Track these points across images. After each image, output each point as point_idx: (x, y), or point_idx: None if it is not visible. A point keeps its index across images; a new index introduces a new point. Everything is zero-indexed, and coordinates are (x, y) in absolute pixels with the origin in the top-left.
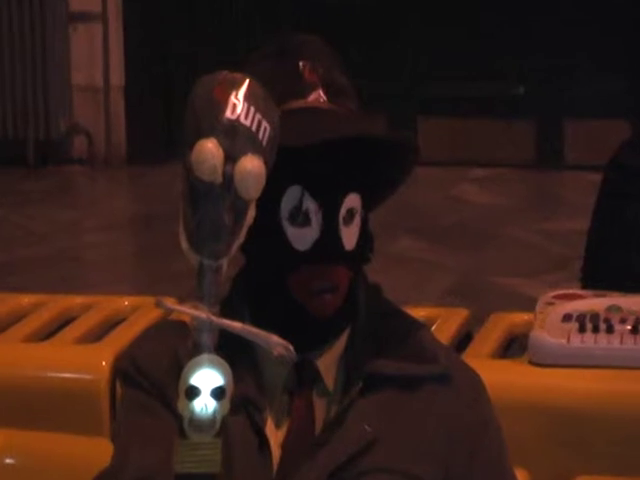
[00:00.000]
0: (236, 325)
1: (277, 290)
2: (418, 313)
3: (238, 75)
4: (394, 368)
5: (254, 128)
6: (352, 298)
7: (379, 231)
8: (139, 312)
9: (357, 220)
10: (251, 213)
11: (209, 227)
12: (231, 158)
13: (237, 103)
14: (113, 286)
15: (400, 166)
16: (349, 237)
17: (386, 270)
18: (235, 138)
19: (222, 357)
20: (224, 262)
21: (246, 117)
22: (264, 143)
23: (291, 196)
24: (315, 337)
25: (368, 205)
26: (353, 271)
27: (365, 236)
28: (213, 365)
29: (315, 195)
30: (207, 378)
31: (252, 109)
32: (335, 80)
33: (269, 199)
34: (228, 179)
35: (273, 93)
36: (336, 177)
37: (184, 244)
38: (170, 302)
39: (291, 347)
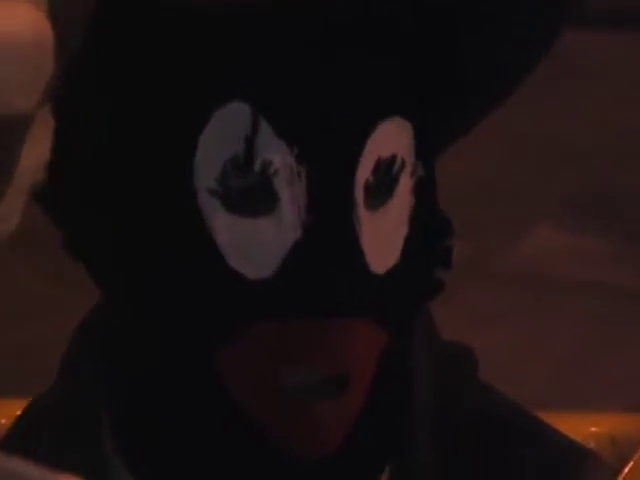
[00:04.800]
0: None
1: (193, 390)
2: (584, 427)
3: None
4: None
5: None
6: (391, 395)
7: (479, 215)
8: None
9: (404, 189)
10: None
11: None
12: None
13: None
14: None
15: (522, 24)
16: (383, 238)
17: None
18: None
19: None
20: None
21: None
22: None
23: (224, 131)
24: None
25: (430, 147)
26: (391, 328)
27: (424, 228)
28: None
29: (287, 129)
30: None
31: None
32: None
33: (165, 143)
34: None
35: None
36: (343, 74)
37: None
38: None
39: None
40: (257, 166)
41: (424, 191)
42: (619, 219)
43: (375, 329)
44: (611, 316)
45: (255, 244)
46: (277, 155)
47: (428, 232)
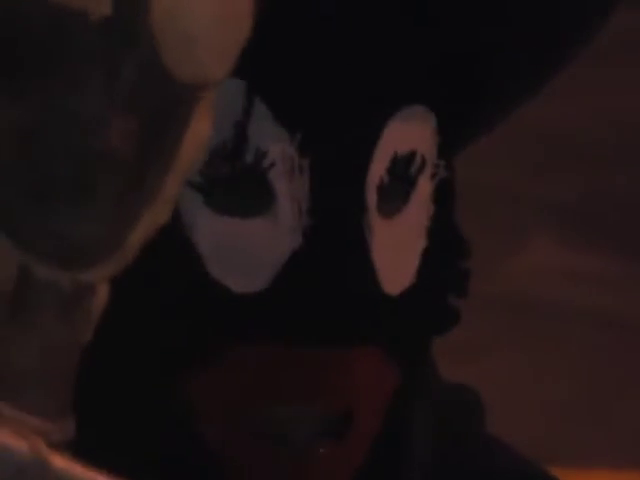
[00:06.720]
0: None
1: (154, 428)
2: None
3: None
4: None
5: None
6: (398, 447)
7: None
8: None
9: (422, 193)
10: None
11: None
12: None
13: None
14: None
15: None
16: (397, 252)
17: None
18: None
19: None
20: (99, 275)
21: None
22: None
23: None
24: None
25: (453, 144)
26: (405, 364)
27: (442, 245)
28: None
29: (288, 113)
30: None
31: None
32: None
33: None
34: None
35: None
36: (358, 51)
37: None
38: None
39: None
40: (249, 157)
41: (444, 198)
42: (632, 234)
43: (386, 363)
44: (619, 350)
45: (243, 251)
46: (274, 144)
47: (445, 250)
